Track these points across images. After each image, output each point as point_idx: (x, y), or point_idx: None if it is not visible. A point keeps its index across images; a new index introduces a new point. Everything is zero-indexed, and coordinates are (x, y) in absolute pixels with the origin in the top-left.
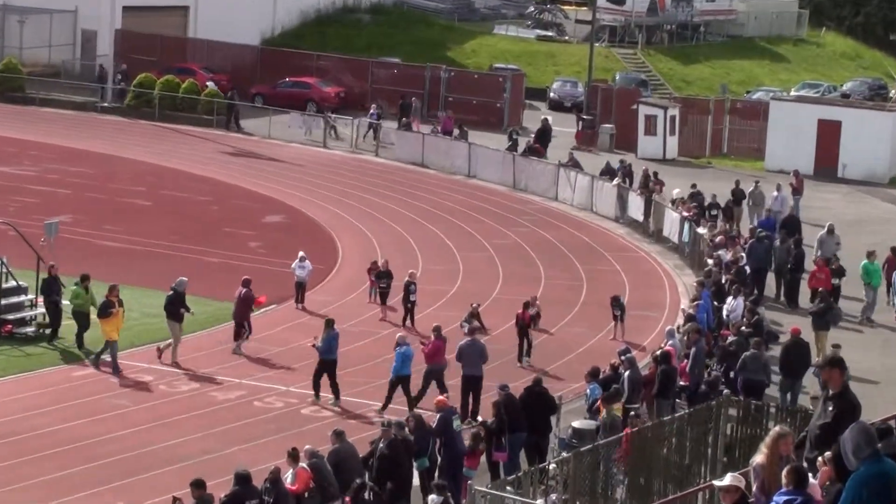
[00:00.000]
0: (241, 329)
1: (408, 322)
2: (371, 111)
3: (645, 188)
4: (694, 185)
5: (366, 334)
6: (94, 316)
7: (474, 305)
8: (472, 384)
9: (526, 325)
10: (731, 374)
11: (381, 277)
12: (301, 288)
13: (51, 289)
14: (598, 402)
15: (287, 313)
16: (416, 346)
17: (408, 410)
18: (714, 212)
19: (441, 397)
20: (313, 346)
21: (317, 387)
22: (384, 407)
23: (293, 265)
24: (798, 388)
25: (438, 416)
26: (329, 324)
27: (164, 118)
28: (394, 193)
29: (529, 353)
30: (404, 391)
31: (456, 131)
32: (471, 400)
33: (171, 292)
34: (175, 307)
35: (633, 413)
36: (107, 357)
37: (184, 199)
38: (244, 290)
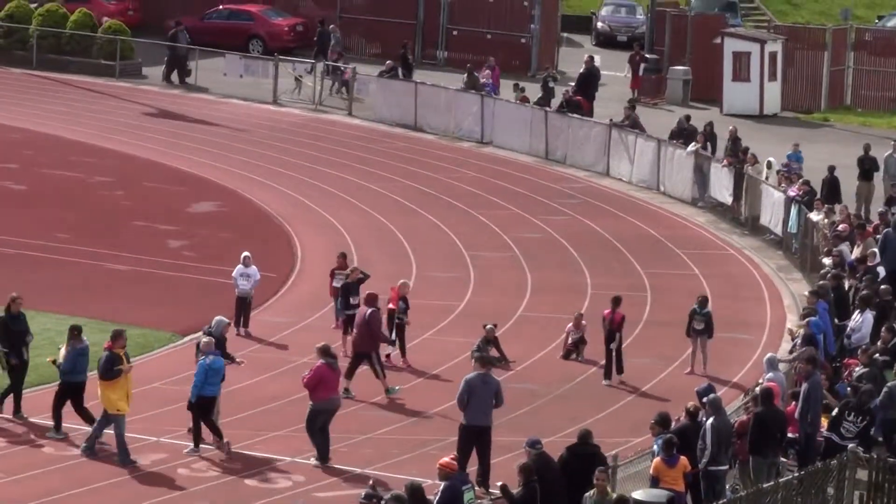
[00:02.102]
0: (364, 362)
1: (393, 352)
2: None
3: (734, 157)
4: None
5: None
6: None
7: (490, 327)
8: (476, 438)
9: (615, 329)
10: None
11: (352, 292)
12: (244, 305)
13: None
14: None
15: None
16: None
17: (219, 442)
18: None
19: (447, 459)
20: (53, 362)
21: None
22: (197, 443)
23: (234, 273)
24: None
25: (443, 486)
26: (74, 331)
27: (46, 65)
28: (375, 169)
29: (621, 367)
30: (202, 420)
31: (464, 78)
32: (478, 461)
33: (206, 338)
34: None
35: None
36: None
37: (76, 181)
38: (370, 310)
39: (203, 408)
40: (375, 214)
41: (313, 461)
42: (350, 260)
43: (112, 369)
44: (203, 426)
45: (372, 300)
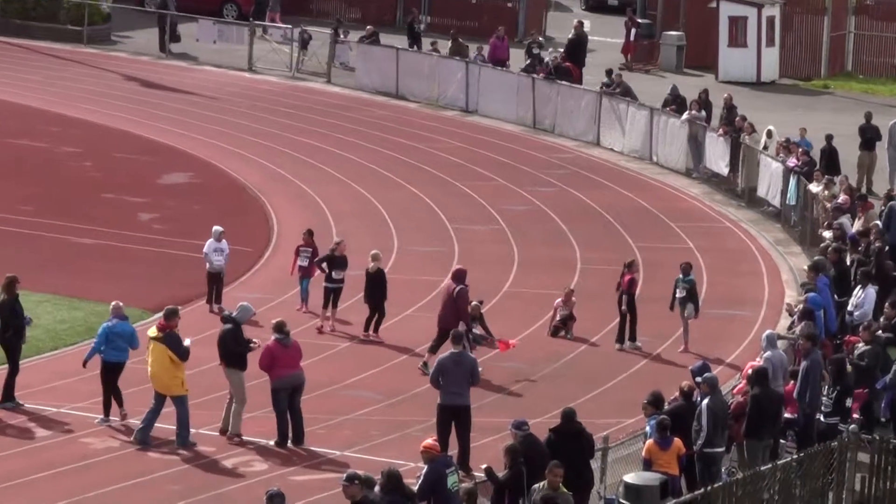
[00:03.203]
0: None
1: (371, 331)
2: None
3: (730, 126)
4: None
5: (317, 349)
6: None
7: (475, 304)
8: (454, 417)
9: (630, 293)
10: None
11: (337, 265)
12: (217, 281)
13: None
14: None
15: (198, 318)
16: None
17: (121, 411)
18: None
19: (430, 441)
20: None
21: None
22: (107, 412)
23: (206, 248)
24: None
25: (426, 468)
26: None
27: (11, 30)
28: (355, 138)
29: (634, 335)
30: (110, 389)
31: (448, 44)
32: (457, 443)
33: (228, 325)
34: (239, 348)
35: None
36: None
37: (41, 152)
38: (457, 286)
39: (110, 373)
40: (355, 186)
41: (272, 442)
42: (326, 233)
43: (187, 348)
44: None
45: (461, 276)
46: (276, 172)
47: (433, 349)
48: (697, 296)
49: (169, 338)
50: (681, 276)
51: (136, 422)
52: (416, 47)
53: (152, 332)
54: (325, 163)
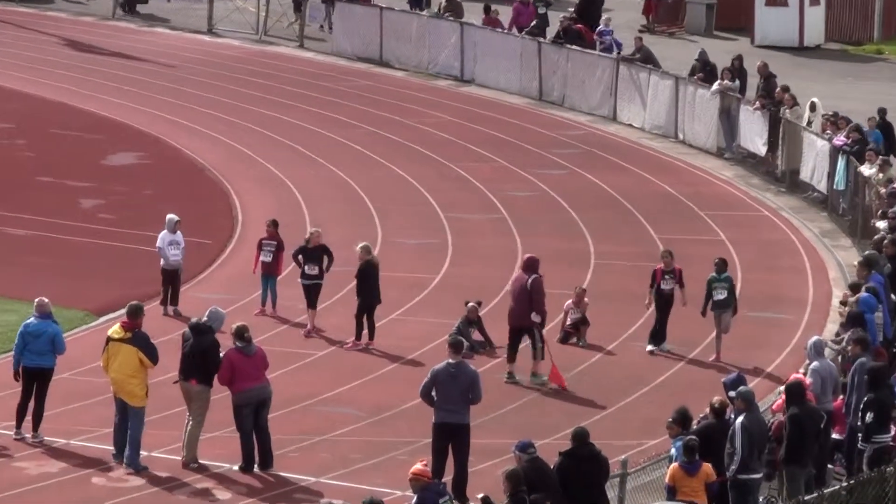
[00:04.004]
0: (531, 338)
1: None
2: None
3: (768, 98)
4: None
5: (288, 357)
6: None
7: (472, 305)
8: (449, 437)
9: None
10: None
11: (309, 258)
12: (173, 278)
13: None
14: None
15: (151, 322)
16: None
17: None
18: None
19: (419, 466)
20: None
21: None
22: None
23: (159, 240)
24: None
25: (415, 498)
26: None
27: None
28: (332, 112)
29: (664, 333)
30: (28, 398)
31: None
32: (453, 467)
33: (198, 334)
34: (213, 362)
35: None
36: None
37: None
38: (531, 276)
39: (30, 380)
40: (332, 167)
41: (236, 467)
42: (299, 224)
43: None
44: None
45: (533, 265)
46: (241, 152)
47: (511, 356)
48: (736, 298)
49: (138, 338)
50: (715, 273)
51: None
52: (417, 8)
53: (115, 332)
54: (296, 141)
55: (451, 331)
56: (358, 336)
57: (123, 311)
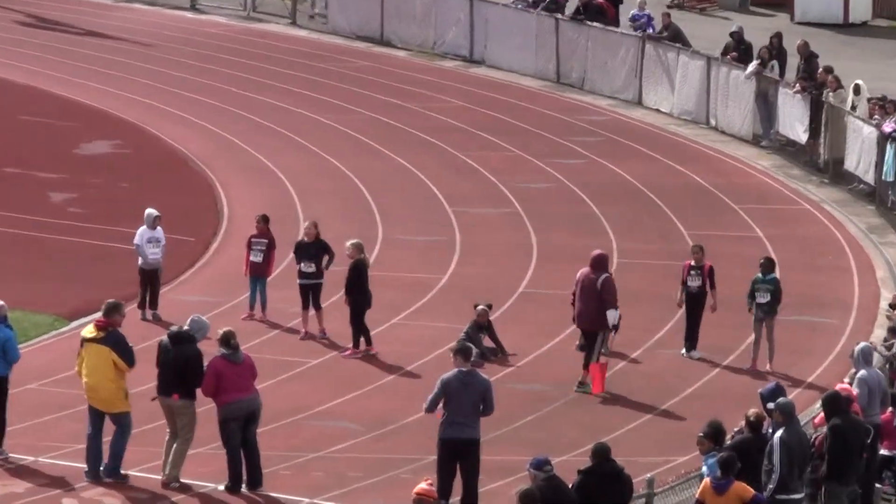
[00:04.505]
0: (591, 344)
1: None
2: None
3: (809, 80)
4: None
5: (279, 366)
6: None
7: (482, 308)
8: (457, 455)
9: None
10: None
11: (304, 255)
12: (152, 279)
13: None
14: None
15: (128, 327)
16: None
17: None
18: None
19: (424, 486)
20: None
21: None
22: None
23: (137, 237)
24: None
25: None
26: None
27: None
28: (327, 96)
29: (694, 338)
30: None
31: None
32: (461, 487)
33: (179, 343)
34: (196, 374)
35: None
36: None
37: None
38: (602, 275)
39: None
40: (327, 156)
41: (221, 487)
42: (291, 219)
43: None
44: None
45: (603, 263)
46: (227, 140)
47: (587, 363)
48: (780, 301)
49: (112, 338)
50: (760, 275)
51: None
52: None
53: (88, 331)
54: (288, 127)
55: (459, 336)
56: (356, 343)
57: (97, 315)
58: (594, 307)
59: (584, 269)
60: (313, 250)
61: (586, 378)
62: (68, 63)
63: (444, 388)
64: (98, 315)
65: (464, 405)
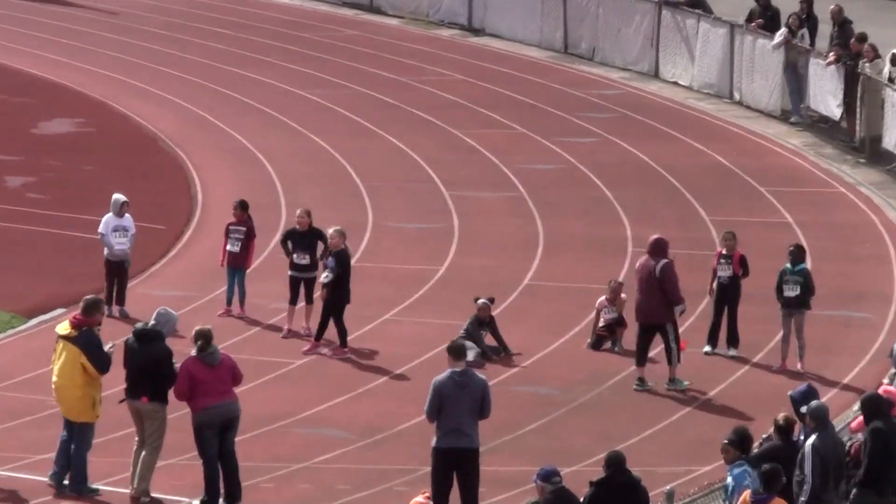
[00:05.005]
0: (664, 338)
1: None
2: None
3: (843, 49)
4: None
5: (261, 367)
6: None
7: (483, 302)
8: (455, 464)
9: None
10: None
11: (298, 245)
12: (119, 272)
13: None
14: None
15: None
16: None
17: None
18: None
19: (420, 499)
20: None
21: None
22: None
23: (102, 226)
24: None
25: None
26: None
27: None
28: (312, 69)
29: (735, 335)
30: None
31: None
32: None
33: (146, 342)
34: (167, 375)
35: None
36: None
37: None
38: (661, 261)
39: None
40: (311, 136)
41: (196, 502)
42: (271, 205)
43: (109, 356)
44: None
45: (662, 248)
46: (201, 117)
47: (640, 358)
48: (812, 293)
49: (84, 338)
50: (788, 265)
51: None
52: None
53: (62, 327)
54: (269, 104)
55: (459, 334)
56: (343, 342)
57: (58, 311)
58: (654, 299)
59: (643, 257)
60: (307, 240)
61: (644, 374)
62: (23, 32)
63: (438, 393)
64: (72, 311)
65: (460, 409)
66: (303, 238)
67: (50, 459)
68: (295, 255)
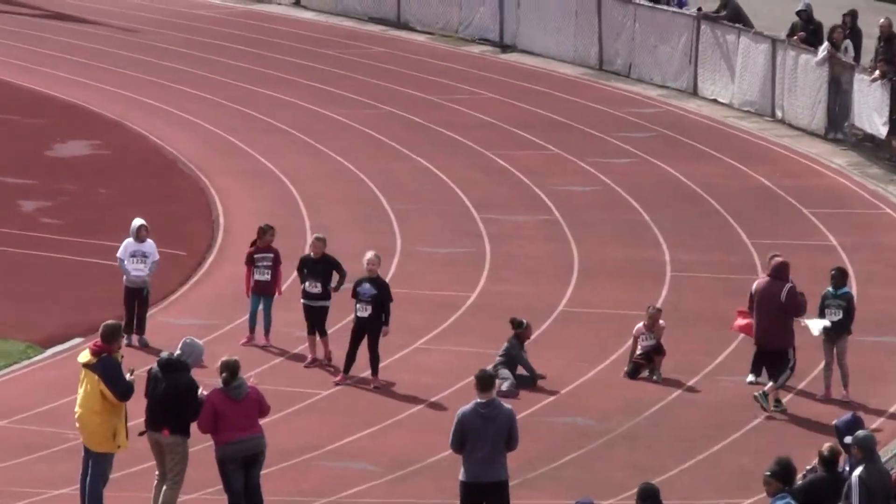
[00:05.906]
0: (779, 365)
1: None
2: None
3: (889, 65)
4: None
5: (285, 398)
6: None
7: (525, 322)
8: (483, 498)
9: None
10: None
11: (310, 272)
12: (138, 299)
13: None
14: None
15: None
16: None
17: None
18: None
19: None
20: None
21: None
22: None
23: (121, 251)
24: None
25: None
26: None
27: None
28: (337, 87)
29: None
30: None
31: None
32: None
33: (170, 372)
34: (190, 407)
35: None
36: None
37: None
38: (786, 285)
39: None
40: (337, 157)
41: None
42: (297, 229)
43: (130, 383)
44: None
45: (784, 271)
46: (222, 138)
47: (774, 381)
48: (853, 318)
49: (103, 365)
50: (831, 289)
51: None
52: None
53: (83, 356)
54: (293, 124)
55: (498, 359)
56: (347, 368)
57: (75, 341)
58: (776, 323)
59: (762, 279)
60: (320, 267)
61: (778, 395)
62: (37, 51)
63: (462, 424)
64: (92, 338)
65: (485, 442)
66: (315, 265)
67: (67, 495)
68: (307, 283)
